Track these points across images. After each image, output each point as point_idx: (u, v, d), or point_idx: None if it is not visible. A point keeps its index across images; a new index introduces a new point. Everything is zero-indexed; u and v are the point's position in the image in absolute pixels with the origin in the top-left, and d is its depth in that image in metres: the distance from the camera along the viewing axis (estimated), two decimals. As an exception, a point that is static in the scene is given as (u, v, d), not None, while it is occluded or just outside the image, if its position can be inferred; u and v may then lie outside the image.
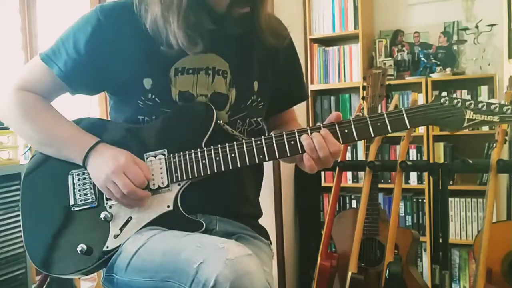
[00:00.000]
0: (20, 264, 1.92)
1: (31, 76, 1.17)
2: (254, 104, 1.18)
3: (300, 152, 1.03)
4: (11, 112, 1.15)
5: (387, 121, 1.02)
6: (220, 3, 1.06)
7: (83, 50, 1.10)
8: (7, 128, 2.01)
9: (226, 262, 0.83)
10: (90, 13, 1.13)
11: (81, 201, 1.11)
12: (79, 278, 2.03)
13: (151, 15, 1.07)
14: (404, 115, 1.02)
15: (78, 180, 1.12)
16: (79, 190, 1.12)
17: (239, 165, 1.04)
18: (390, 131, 1.02)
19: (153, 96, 1.11)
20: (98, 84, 1.17)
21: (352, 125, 1.03)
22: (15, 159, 2.00)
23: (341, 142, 1.03)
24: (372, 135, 1.03)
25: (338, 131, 1.03)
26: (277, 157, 1.04)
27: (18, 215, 1.91)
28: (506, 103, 1.01)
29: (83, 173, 1.11)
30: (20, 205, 1.19)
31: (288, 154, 1.03)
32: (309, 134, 1.02)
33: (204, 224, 1.04)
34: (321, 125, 1.03)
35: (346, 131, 1.03)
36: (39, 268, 1.13)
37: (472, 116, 1.01)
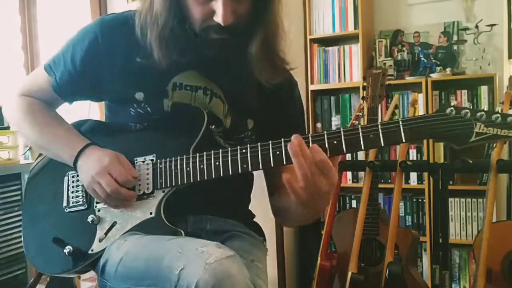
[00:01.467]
0: (20, 264, 1.92)
1: (34, 83, 1.21)
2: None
3: (285, 163, 0.96)
4: (14, 116, 1.21)
5: (380, 134, 0.91)
6: (195, 22, 1.03)
7: (78, 64, 1.13)
8: (7, 128, 2.01)
9: (205, 267, 0.83)
10: (90, 26, 1.15)
11: (73, 202, 1.14)
12: (78, 277, 2.03)
13: (137, 24, 1.08)
14: (401, 127, 0.90)
15: (72, 182, 1.15)
16: (72, 192, 1.15)
17: (221, 175, 1.01)
18: (382, 145, 0.91)
19: (146, 106, 1.12)
20: (91, 95, 1.21)
21: (342, 136, 0.93)
22: (15, 159, 2.00)
23: (328, 154, 0.93)
24: (363, 148, 0.93)
25: (326, 142, 0.94)
26: (261, 167, 0.99)
27: (18, 215, 1.92)
28: None
29: (77, 175, 1.13)
30: (22, 202, 1.22)
31: (272, 165, 0.97)
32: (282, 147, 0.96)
33: (183, 233, 1.03)
34: (310, 135, 0.95)
35: (335, 142, 0.93)
36: (33, 265, 1.16)
37: (483, 130, 0.87)
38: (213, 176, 1.02)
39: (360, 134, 0.92)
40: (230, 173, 1.01)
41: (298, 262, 3.01)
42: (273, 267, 2.69)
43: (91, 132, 1.17)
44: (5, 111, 1.26)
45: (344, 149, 0.93)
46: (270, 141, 0.98)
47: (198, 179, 1.03)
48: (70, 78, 1.14)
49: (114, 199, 1.06)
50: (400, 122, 0.90)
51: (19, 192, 1.93)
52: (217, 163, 1.01)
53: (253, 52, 1.07)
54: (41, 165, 1.22)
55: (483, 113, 0.87)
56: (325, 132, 0.95)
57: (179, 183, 1.05)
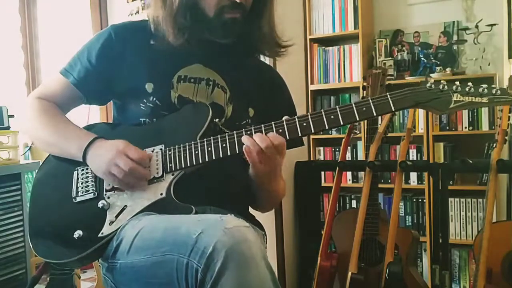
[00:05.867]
0: (20, 264, 1.92)
1: (49, 87, 1.29)
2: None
3: (288, 137, 1.07)
4: (28, 116, 1.27)
5: (372, 105, 1.04)
6: (209, 7, 1.17)
7: (95, 60, 1.23)
8: (7, 128, 2.01)
9: (224, 230, 0.86)
10: (104, 30, 1.27)
11: (82, 192, 1.17)
12: (78, 277, 2.03)
13: (154, 18, 1.21)
14: (389, 98, 1.04)
15: (82, 174, 1.19)
16: (82, 183, 1.18)
17: (229, 154, 1.08)
18: (375, 114, 1.04)
19: (154, 99, 1.20)
20: (106, 90, 1.27)
21: (338, 111, 1.06)
22: (15, 159, 2.01)
23: (327, 127, 1.06)
24: (358, 119, 1.06)
25: (324, 118, 1.06)
26: None
27: (18, 215, 1.92)
28: (494, 86, 1.01)
29: (87, 169, 1.18)
30: (29, 199, 1.26)
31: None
32: (297, 123, 1.06)
33: (194, 208, 1.06)
34: (309, 114, 1.07)
35: (332, 117, 1.06)
36: (39, 256, 1.16)
37: (459, 98, 1.02)
38: (221, 156, 1.09)
39: (354, 108, 1.05)
40: (237, 152, 1.08)
41: (298, 262, 3.02)
42: (273, 267, 2.69)
43: (100, 133, 1.21)
44: (18, 112, 1.32)
45: (341, 121, 1.06)
46: (272, 122, 1.08)
47: (207, 160, 1.09)
48: (87, 74, 1.24)
49: (132, 178, 1.10)
50: (389, 95, 1.05)
51: (19, 192, 1.94)
52: (224, 145, 1.09)
53: (263, 29, 1.23)
54: (50, 164, 1.26)
55: (458, 85, 1.03)
56: (322, 110, 1.07)
57: (188, 165, 1.10)
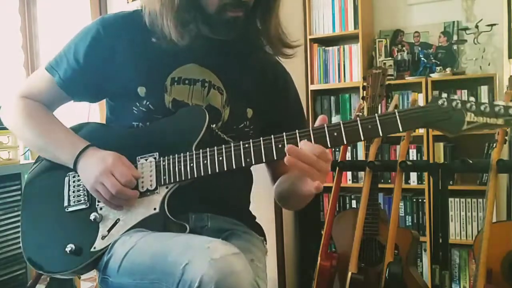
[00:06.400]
0: (20, 264, 1.92)
1: (35, 84, 1.22)
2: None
3: (287, 155, 0.97)
4: (14, 118, 1.20)
5: (378, 124, 0.95)
6: (211, 3, 1.09)
7: (82, 59, 1.15)
8: (7, 128, 2.01)
9: (210, 262, 0.83)
10: (91, 24, 1.17)
11: (74, 202, 1.13)
12: (78, 277, 2.03)
13: (149, 10, 1.12)
14: (397, 117, 0.94)
15: (74, 182, 1.15)
16: (73, 192, 1.14)
17: (225, 169, 1.02)
18: (381, 134, 0.95)
19: (147, 103, 1.13)
20: (95, 91, 1.20)
21: (342, 128, 0.97)
22: (15, 159, 2.00)
23: (329, 146, 0.97)
24: (362, 139, 0.97)
25: (327, 134, 0.97)
26: (264, 160, 1.00)
27: (18, 215, 1.92)
28: (511, 105, 0.91)
29: (78, 175, 1.13)
30: (21, 204, 1.22)
31: (275, 158, 0.99)
32: (298, 138, 0.97)
33: (188, 227, 1.03)
34: (311, 128, 0.98)
35: (335, 134, 0.97)
36: (30, 265, 1.15)
37: (473, 119, 0.92)
38: (217, 171, 1.03)
39: (359, 125, 0.96)
40: (234, 167, 1.02)
41: (298, 262, 3.02)
42: (273, 267, 2.69)
43: (91, 135, 1.17)
44: (3, 114, 1.25)
45: (345, 140, 0.97)
46: (272, 135, 1.00)
47: (202, 174, 1.04)
48: (74, 74, 1.16)
49: (117, 199, 1.06)
50: (397, 113, 0.95)
51: (19, 192, 1.93)
52: (220, 158, 1.02)
53: (267, 25, 1.15)
54: (40, 168, 1.21)
55: (472, 103, 0.92)
56: (325, 124, 0.98)
57: (183, 179, 1.05)
